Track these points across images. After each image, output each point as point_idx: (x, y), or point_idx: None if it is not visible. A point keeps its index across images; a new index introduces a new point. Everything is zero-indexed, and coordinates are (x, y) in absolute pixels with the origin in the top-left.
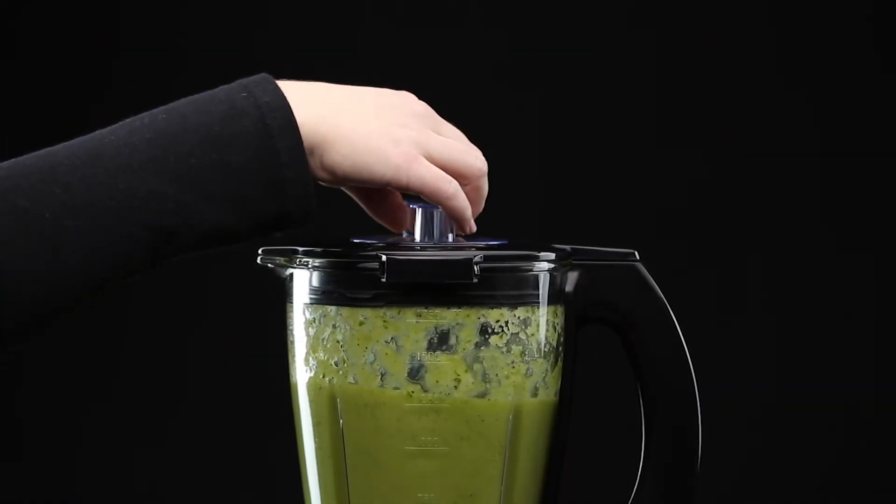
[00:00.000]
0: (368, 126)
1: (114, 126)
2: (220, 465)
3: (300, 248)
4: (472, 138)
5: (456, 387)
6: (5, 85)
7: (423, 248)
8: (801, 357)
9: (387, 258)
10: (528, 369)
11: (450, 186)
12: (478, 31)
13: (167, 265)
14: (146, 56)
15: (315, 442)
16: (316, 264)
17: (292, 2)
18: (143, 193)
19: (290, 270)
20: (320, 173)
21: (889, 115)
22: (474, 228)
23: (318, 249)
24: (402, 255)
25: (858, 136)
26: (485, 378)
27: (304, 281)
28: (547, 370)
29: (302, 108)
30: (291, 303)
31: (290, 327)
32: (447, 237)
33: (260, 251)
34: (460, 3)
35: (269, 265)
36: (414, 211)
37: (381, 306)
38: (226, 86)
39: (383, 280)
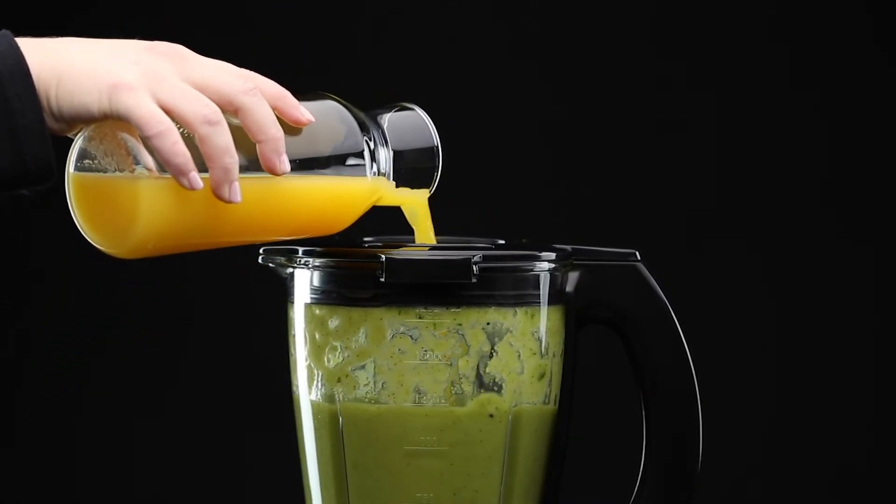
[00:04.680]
0: (94, 57)
1: None
2: (221, 465)
3: (300, 248)
4: (473, 138)
5: (455, 388)
6: None
7: (423, 248)
8: (802, 357)
9: (386, 258)
10: (528, 369)
11: (157, 126)
12: (478, 30)
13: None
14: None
15: (315, 441)
16: (316, 264)
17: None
18: None
19: (290, 270)
20: (53, 123)
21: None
22: (198, 183)
23: (319, 249)
24: (401, 255)
25: (859, 136)
26: (485, 378)
27: (304, 280)
28: (547, 370)
29: (34, 54)
30: (292, 302)
31: (291, 326)
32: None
33: (261, 250)
34: (460, 2)
35: (270, 265)
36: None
37: (380, 306)
38: None
39: (383, 280)
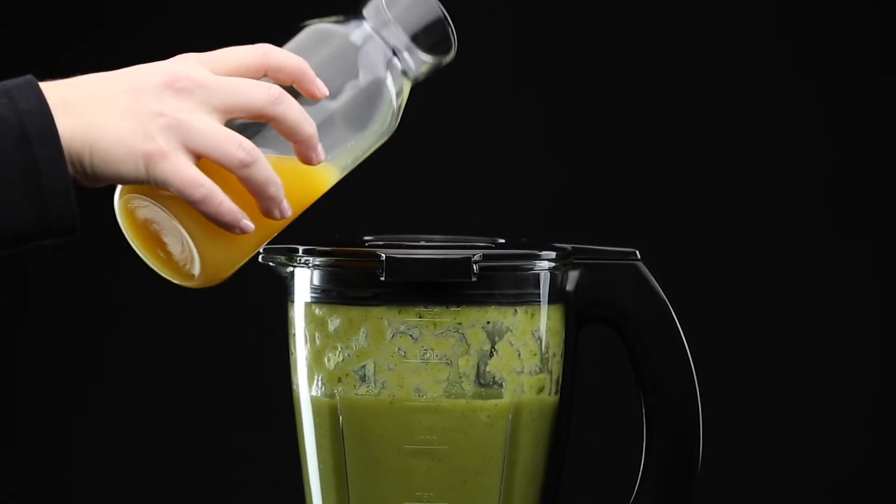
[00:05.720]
0: (120, 128)
1: None
2: (221, 464)
3: (301, 247)
4: (473, 138)
5: (456, 386)
6: None
7: (423, 247)
8: (802, 357)
9: (386, 257)
10: (528, 369)
11: (198, 190)
12: (478, 29)
13: None
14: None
15: (315, 440)
16: (316, 263)
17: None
18: None
19: (290, 269)
20: (87, 182)
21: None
22: (250, 227)
23: (319, 248)
24: (401, 254)
25: (860, 136)
26: (485, 377)
27: (304, 279)
28: (547, 370)
29: (64, 118)
30: (292, 301)
31: (291, 325)
32: None
33: (261, 249)
34: (461, 3)
35: (270, 263)
36: None
37: (381, 305)
38: None
39: (383, 279)
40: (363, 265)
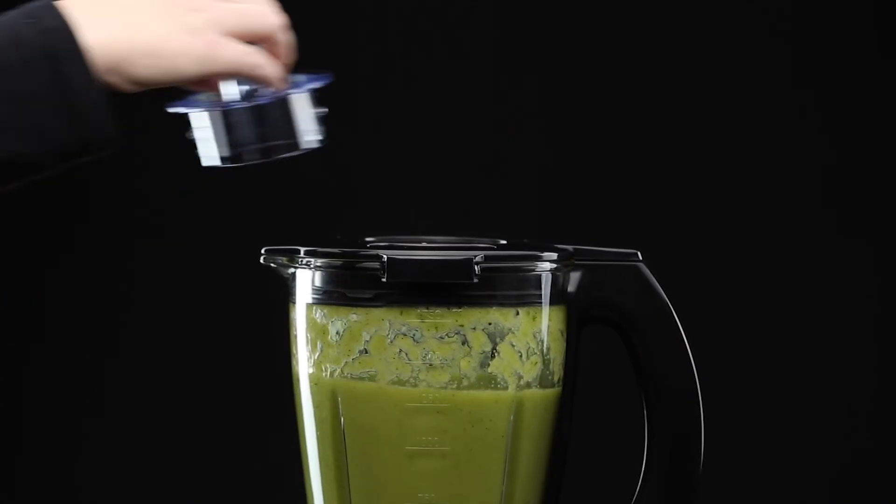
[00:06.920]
0: (163, 27)
1: None
2: (223, 464)
3: (302, 248)
4: (474, 139)
5: (457, 388)
6: None
7: (425, 248)
8: (803, 357)
9: (387, 258)
10: (529, 370)
11: (253, 58)
12: (479, 30)
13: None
14: None
15: (317, 442)
16: (318, 264)
17: None
18: None
19: (292, 270)
20: (130, 87)
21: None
22: (286, 83)
23: (321, 250)
24: (402, 255)
25: (860, 137)
26: (486, 379)
27: (306, 281)
28: (549, 371)
29: (92, 30)
30: (294, 302)
31: (293, 326)
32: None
33: (263, 251)
34: (463, 3)
35: (272, 265)
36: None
37: (382, 306)
38: (12, 11)
39: (384, 280)
40: (365, 266)
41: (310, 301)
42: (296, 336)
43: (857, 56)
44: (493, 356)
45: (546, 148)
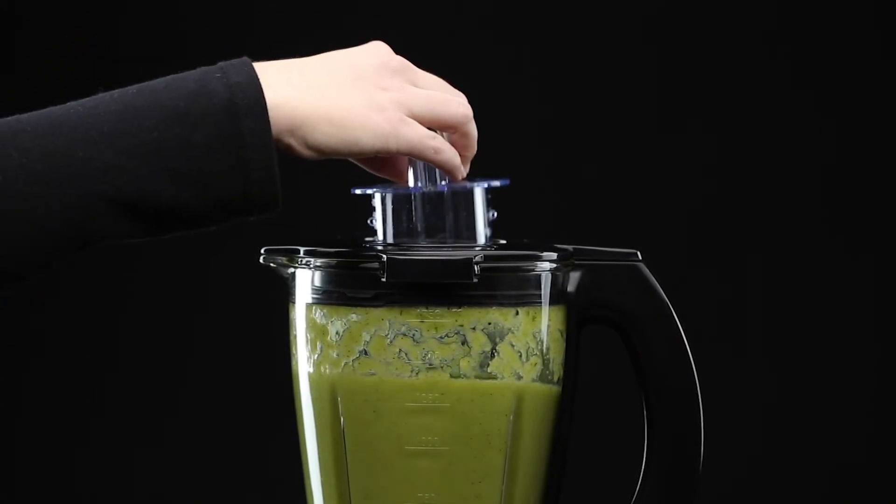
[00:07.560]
0: (349, 99)
1: (87, 98)
2: (223, 464)
3: (302, 248)
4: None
5: (457, 388)
6: (5, 98)
7: (424, 248)
8: (803, 357)
9: (387, 258)
10: (529, 370)
11: (434, 142)
12: (479, 30)
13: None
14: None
15: (317, 442)
16: (317, 264)
17: None
18: (100, 164)
19: (291, 270)
20: (306, 152)
21: (890, 109)
22: (464, 174)
23: (320, 249)
24: (402, 255)
25: (860, 137)
26: (486, 379)
27: (305, 281)
28: (548, 371)
29: (277, 90)
30: (293, 302)
31: (293, 327)
32: (444, 181)
33: (262, 251)
34: (462, 3)
35: (272, 265)
36: (408, 164)
37: (382, 306)
38: (205, 67)
39: (384, 280)
40: (364, 266)
41: (309, 301)
42: (295, 336)
43: (857, 56)
44: (492, 356)
45: (546, 148)
